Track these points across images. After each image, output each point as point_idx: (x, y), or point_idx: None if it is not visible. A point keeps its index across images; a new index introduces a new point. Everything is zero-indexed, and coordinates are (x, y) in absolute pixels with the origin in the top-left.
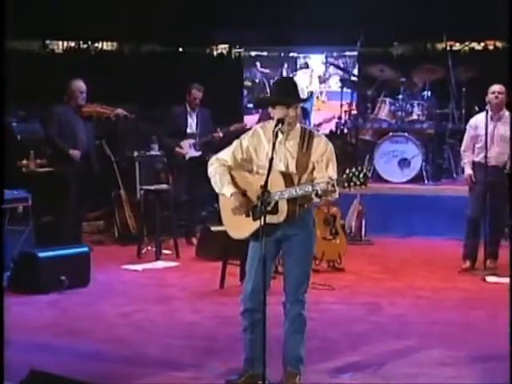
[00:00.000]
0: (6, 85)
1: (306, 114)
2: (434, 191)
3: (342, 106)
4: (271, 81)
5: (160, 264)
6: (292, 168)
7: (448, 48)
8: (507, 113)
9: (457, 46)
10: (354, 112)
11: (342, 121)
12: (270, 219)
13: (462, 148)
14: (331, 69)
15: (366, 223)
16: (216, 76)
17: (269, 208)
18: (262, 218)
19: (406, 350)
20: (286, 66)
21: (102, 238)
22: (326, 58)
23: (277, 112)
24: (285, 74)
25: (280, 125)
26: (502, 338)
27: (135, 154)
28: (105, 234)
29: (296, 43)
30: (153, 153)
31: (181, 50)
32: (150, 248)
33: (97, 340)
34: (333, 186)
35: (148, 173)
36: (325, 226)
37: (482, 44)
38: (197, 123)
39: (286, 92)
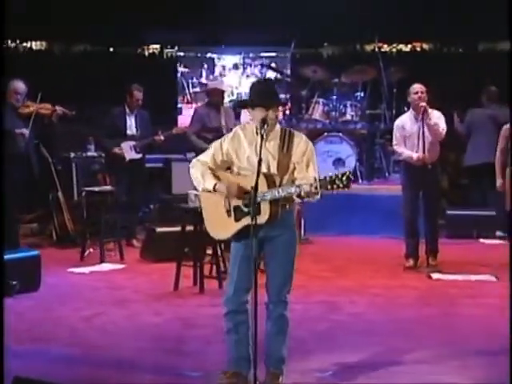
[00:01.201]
0: None
1: (237, 115)
2: (368, 190)
3: None
4: (189, 81)
5: (106, 266)
6: (273, 169)
7: (377, 49)
8: (429, 110)
9: (385, 48)
10: (287, 112)
11: None
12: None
13: (395, 143)
14: (248, 70)
15: (304, 222)
16: (148, 76)
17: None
18: (251, 219)
19: (377, 348)
20: (205, 66)
21: (38, 241)
22: (244, 58)
23: (256, 114)
24: (204, 74)
25: (265, 126)
26: (467, 335)
27: (72, 155)
28: (40, 236)
29: (226, 43)
30: (89, 154)
31: (111, 49)
32: (91, 250)
33: (64, 344)
34: (316, 188)
35: (85, 174)
36: None
37: (410, 46)
38: (136, 125)
39: (266, 94)
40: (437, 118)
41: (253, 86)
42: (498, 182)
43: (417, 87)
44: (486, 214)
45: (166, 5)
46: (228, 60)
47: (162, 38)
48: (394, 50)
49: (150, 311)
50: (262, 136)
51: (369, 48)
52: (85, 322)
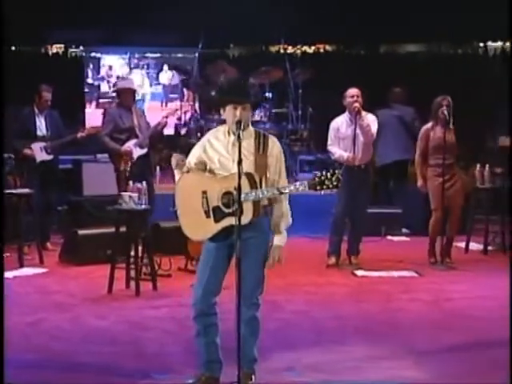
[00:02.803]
0: None
1: None
2: None
3: (181, 107)
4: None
5: (27, 271)
6: (247, 168)
7: (282, 51)
8: (364, 113)
9: (290, 50)
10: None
11: (182, 122)
12: (233, 221)
13: (329, 143)
14: (136, 70)
15: None
16: (53, 76)
17: (231, 210)
18: (236, 220)
19: (330, 345)
20: (91, 66)
21: None
22: (130, 59)
23: (226, 113)
24: (90, 74)
25: (241, 127)
26: (412, 331)
27: None
28: None
29: (131, 43)
30: None
31: (13, 48)
32: (8, 255)
33: (16, 350)
34: (303, 189)
35: None
36: None
37: (313, 47)
38: (46, 126)
39: (235, 91)
40: (371, 121)
41: (224, 84)
42: (419, 182)
43: (352, 91)
44: (392, 212)
45: (70, 4)
46: (111, 60)
47: (65, 38)
48: (299, 51)
49: (92, 315)
50: (238, 136)
51: (274, 49)
52: (31, 327)
